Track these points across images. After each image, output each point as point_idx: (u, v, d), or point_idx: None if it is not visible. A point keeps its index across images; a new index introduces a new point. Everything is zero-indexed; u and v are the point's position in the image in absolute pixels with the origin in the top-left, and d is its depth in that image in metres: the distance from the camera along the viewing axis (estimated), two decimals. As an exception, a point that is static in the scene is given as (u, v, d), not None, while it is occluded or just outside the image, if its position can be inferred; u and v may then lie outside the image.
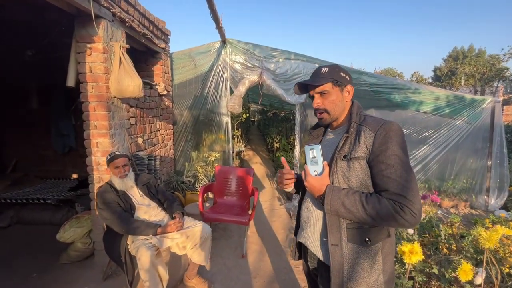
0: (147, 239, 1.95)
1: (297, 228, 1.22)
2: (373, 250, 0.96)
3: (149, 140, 3.20)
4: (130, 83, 2.29)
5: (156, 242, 1.93)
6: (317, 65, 4.00)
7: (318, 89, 1.03)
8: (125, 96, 2.34)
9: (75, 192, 3.35)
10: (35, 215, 3.26)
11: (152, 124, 3.31)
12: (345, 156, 0.96)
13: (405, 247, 1.41)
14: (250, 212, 2.82)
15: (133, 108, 2.80)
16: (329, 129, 1.14)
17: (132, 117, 2.78)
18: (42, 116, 3.99)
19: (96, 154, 2.37)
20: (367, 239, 0.95)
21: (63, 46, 2.34)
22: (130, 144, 2.72)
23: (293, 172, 1.10)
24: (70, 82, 2.25)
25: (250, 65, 4.09)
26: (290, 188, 1.12)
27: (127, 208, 2.08)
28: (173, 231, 2.03)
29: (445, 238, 2.15)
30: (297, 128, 4.18)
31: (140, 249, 1.88)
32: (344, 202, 0.91)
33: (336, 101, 1.03)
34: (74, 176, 4.09)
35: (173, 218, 2.20)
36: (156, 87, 3.42)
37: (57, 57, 2.95)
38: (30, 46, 2.89)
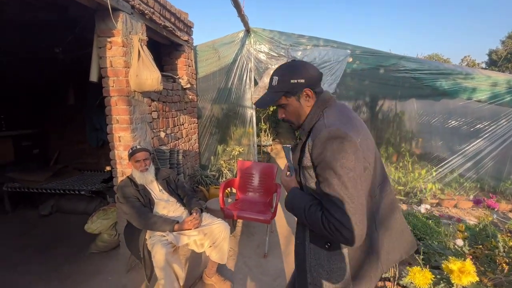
0: (164, 236, 1.91)
1: None
2: (335, 254, 0.92)
3: (172, 134, 3.20)
4: (149, 76, 2.25)
5: (172, 239, 1.88)
6: (349, 51, 3.66)
7: (274, 104, 0.99)
8: (144, 90, 2.31)
9: (107, 184, 3.50)
10: (72, 205, 3.48)
11: (175, 118, 3.30)
12: (299, 164, 0.96)
13: (453, 265, 1.15)
14: (272, 210, 2.67)
15: (155, 102, 2.79)
16: None
17: (154, 111, 2.77)
18: (78, 112, 4.24)
19: (118, 148, 2.39)
20: (327, 244, 0.93)
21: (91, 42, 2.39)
22: (152, 138, 2.72)
23: (288, 174, 1.09)
24: (93, 77, 2.28)
25: (275, 54, 3.88)
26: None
27: (146, 202, 2.06)
28: (190, 228, 1.97)
29: (504, 251, 1.79)
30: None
31: (155, 246, 1.84)
32: (294, 205, 0.95)
33: (296, 111, 0.98)
34: (107, 168, 4.31)
35: (190, 214, 2.15)
36: (180, 80, 3.40)
37: (87, 54, 3.07)
38: (58, 44, 3.01)
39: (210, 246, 2.04)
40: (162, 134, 2.88)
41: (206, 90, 4.14)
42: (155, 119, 2.79)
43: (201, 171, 3.89)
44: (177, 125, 3.37)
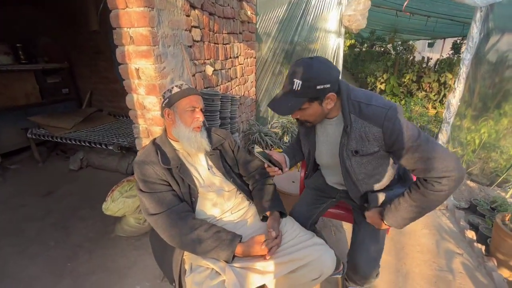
0: (217, 272, 0.97)
1: None
2: None
3: (222, 71, 2.08)
4: None
5: (233, 282, 0.92)
6: None
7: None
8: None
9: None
10: (102, 160, 2.83)
11: (227, 46, 2.13)
12: (356, 152, 0.96)
13: None
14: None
15: (196, 11, 1.62)
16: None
17: (195, 26, 1.62)
18: (105, 41, 3.30)
19: (138, 90, 1.39)
20: None
21: None
22: (194, 75, 1.65)
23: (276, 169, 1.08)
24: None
25: None
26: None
27: (184, 194, 1.10)
28: (263, 255, 1.00)
29: None
30: (466, 54, 2.33)
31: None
32: (404, 215, 0.94)
33: (316, 114, 0.95)
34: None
35: (263, 219, 1.16)
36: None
37: None
38: None
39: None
40: (209, 70, 1.78)
41: (267, 5, 2.76)
42: (197, 42, 1.66)
43: (258, 127, 2.84)
44: (230, 57, 2.21)
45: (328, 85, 0.88)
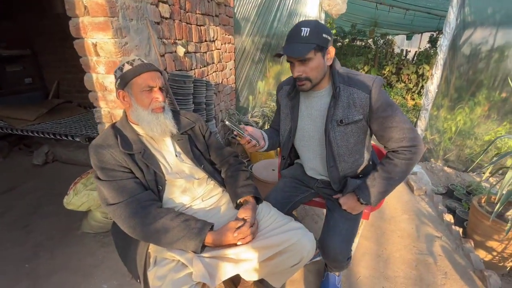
0: (184, 264, 0.87)
1: None
2: None
3: (197, 54, 1.96)
4: None
5: (201, 274, 0.83)
6: None
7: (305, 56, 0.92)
8: None
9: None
10: (70, 154, 2.63)
11: (202, 28, 2.00)
12: (341, 121, 1.00)
13: None
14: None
15: (164, -15, 1.48)
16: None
17: (162, 1, 1.49)
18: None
19: (97, 68, 1.24)
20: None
21: None
22: (163, 55, 1.52)
23: (248, 139, 1.02)
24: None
25: None
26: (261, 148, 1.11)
27: (149, 181, 0.98)
28: (237, 243, 0.91)
29: None
30: (444, 40, 2.34)
31: (165, 285, 0.82)
32: (378, 191, 1.02)
33: (319, 68, 0.96)
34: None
35: (237, 206, 1.07)
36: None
37: None
38: None
39: (273, 274, 1.02)
40: (181, 50, 1.65)
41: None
42: (165, 19, 1.53)
43: (239, 116, 2.74)
44: (205, 40, 2.08)
45: (329, 38, 0.95)
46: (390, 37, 8.46)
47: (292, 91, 1.12)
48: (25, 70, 3.31)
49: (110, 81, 1.25)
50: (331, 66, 1.01)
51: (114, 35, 1.14)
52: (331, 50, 0.97)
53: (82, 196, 1.51)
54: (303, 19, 2.70)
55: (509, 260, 1.55)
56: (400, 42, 11.95)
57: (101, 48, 1.18)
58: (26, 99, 3.25)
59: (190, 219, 0.92)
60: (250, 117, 2.89)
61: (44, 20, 3.22)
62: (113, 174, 0.94)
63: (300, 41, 0.91)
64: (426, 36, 7.99)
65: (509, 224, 1.34)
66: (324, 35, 0.92)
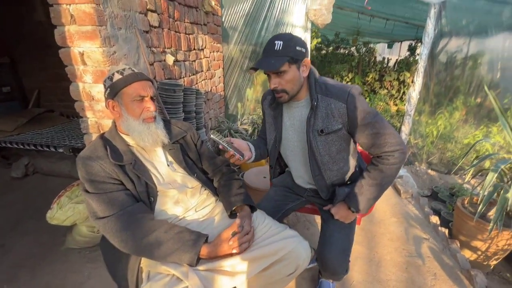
0: (179, 278, 0.85)
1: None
2: None
3: (186, 62, 1.95)
4: None
5: (197, 287, 0.81)
6: None
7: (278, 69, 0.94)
8: None
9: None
10: (52, 165, 2.52)
11: (191, 36, 2.00)
12: (322, 131, 1.02)
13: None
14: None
15: (152, -6, 1.47)
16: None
17: (151, 10, 1.48)
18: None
19: (83, 78, 1.21)
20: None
21: None
22: (152, 64, 1.50)
23: (232, 153, 1.02)
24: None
25: None
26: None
27: (140, 193, 0.96)
28: (231, 252, 0.90)
29: None
30: (423, 49, 2.46)
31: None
32: (366, 197, 1.03)
33: (294, 80, 0.97)
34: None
35: (232, 216, 1.06)
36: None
37: None
38: None
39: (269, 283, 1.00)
40: (170, 59, 1.63)
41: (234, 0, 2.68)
42: (154, 27, 1.52)
43: (228, 124, 2.73)
44: (194, 48, 2.08)
45: (304, 50, 0.96)
46: (372, 45, 8.79)
47: (274, 102, 1.13)
48: (1, 78, 3.17)
49: (97, 90, 1.22)
50: (308, 77, 1.02)
51: (102, 44, 1.12)
52: (307, 62, 0.98)
53: (67, 210, 1.45)
54: (287, 31, 2.79)
55: (493, 259, 1.62)
56: (381, 50, 12.45)
57: (88, 57, 1.15)
58: (3, 109, 3.11)
59: (184, 231, 0.90)
60: (240, 125, 2.89)
61: (24, 27, 3.12)
62: (103, 187, 0.91)
63: (273, 55, 0.92)
64: (406, 44, 8.36)
65: (491, 224, 1.40)
66: (297, 48, 0.94)
